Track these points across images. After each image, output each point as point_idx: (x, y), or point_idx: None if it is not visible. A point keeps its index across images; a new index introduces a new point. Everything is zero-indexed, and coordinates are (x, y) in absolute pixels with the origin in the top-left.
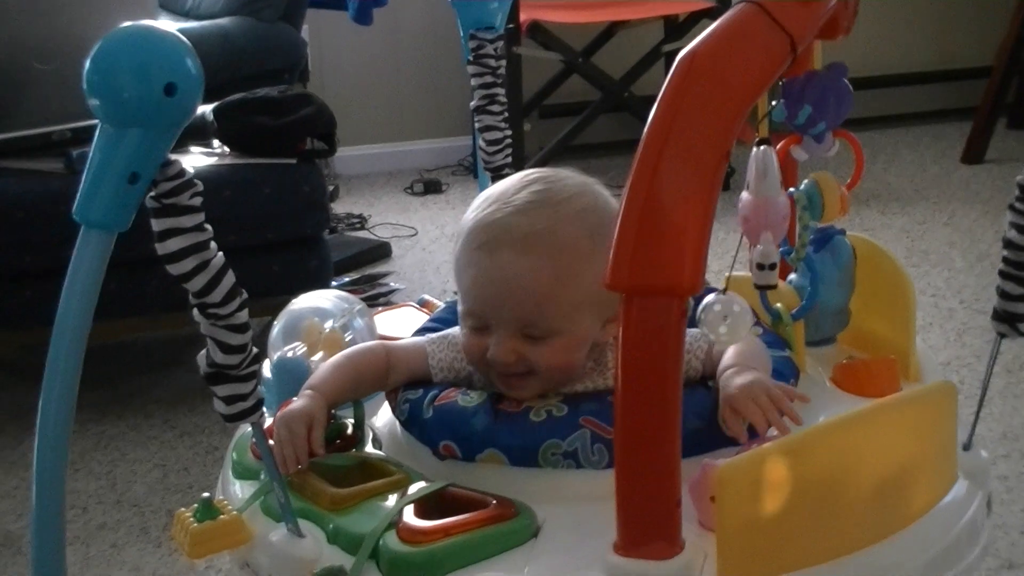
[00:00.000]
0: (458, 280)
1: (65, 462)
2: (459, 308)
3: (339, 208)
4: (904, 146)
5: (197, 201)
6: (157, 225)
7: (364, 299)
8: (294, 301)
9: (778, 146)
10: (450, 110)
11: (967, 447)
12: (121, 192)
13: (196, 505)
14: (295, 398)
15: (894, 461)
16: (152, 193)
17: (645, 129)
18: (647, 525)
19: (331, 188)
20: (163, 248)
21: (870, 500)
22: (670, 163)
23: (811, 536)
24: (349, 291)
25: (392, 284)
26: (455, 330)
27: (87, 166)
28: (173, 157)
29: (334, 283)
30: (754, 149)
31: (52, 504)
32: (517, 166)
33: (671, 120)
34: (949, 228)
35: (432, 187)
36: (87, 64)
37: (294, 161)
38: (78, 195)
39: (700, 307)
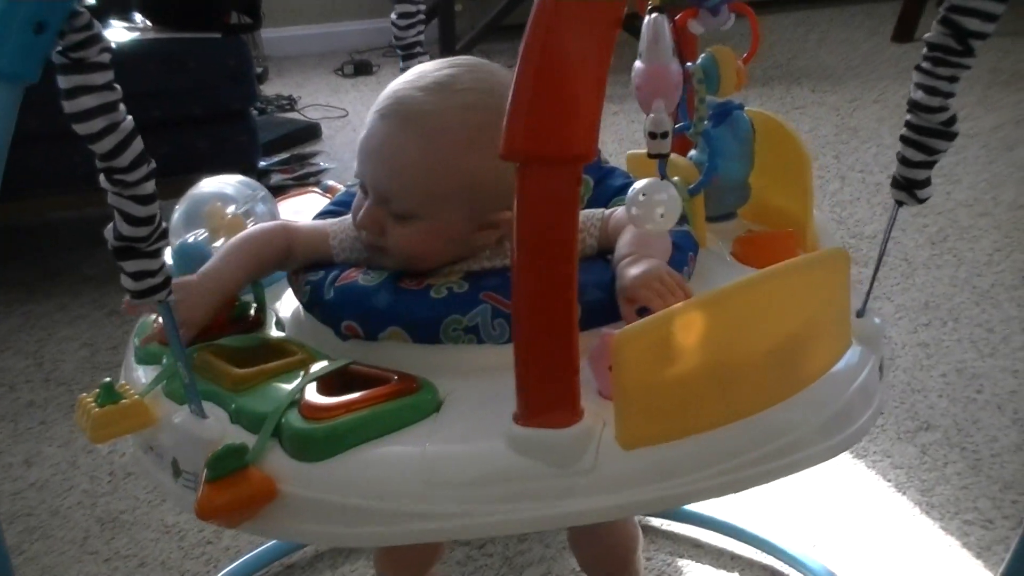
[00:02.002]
0: None
1: None
2: None
3: (268, 90)
4: (836, 24)
5: (106, 58)
6: (65, 82)
7: (294, 178)
8: (196, 186)
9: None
10: None
11: (861, 313)
12: (27, 42)
13: (98, 390)
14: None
15: (789, 325)
16: (60, 47)
17: None
18: (547, 395)
19: (260, 70)
20: (72, 106)
21: (766, 364)
22: (562, 30)
23: (708, 400)
24: (279, 170)
25: (322, 164)
26: None
27: None
28: (82, 9)
29: (263, 163)
30: (646, 17)
31: None
32: (448, 46)
33: None
34: (879, 105)
35: (363, 69)
36: None
37: (219, 35)
38: None
39: (630, 191)
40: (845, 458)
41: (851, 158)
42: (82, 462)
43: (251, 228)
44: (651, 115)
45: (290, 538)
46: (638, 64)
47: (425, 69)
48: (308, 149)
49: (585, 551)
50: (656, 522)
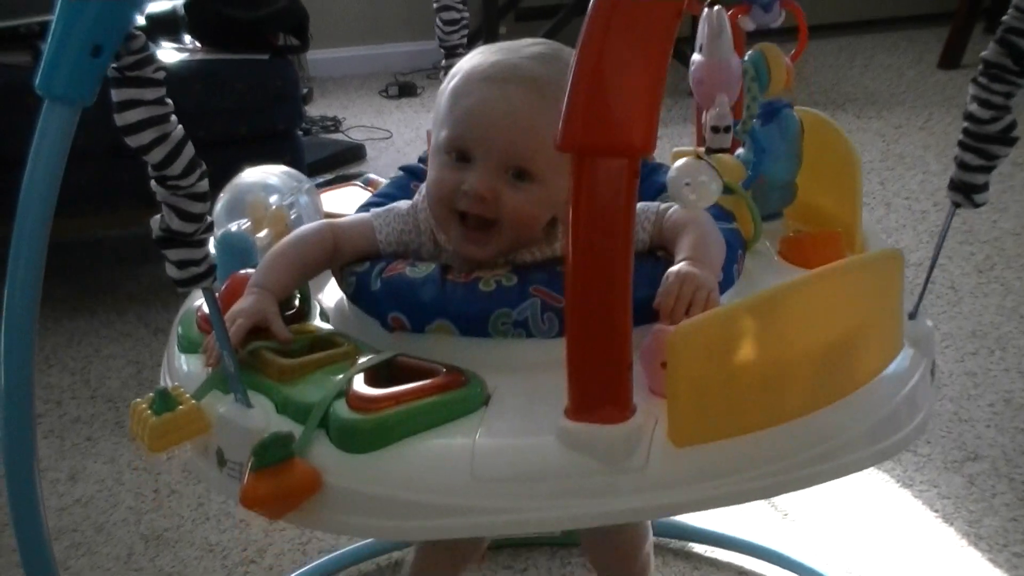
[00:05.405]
0: (447, 110)
1: (32, 343)
2: (436, 140)
3: (313, 111)
4: (881, 51)
5: (160, 75)
6: (117, 95)
7: None
8: (239, 175)
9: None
10: (426, 12)
11: (913, 316)
12: (84, 65)
13: (152, 395)
14: (242, 299)
15: (841, 327)
16: (115, 66)
17: None
18: (598, 390)
19: (305, 90)
20: (122, 119)
21: (817, 365)
22: (621, 23)
23: (759, 401)
24: (323, 190)
25: None
26: (402, 203)
27: (49, 38)
28: (137, 32)
29: None
30: (706, 11)
31: (21, 387)
32: None
33: None
34: (924, 132)
35: (407, 90)
36: None
37: (266, 56)
38: (40, 67)
39: (668, 174)
40: (892, 486)
41: (896, 184)
42: (127, 478)
43: (297, 231)
44: (715, 109)
45: (333, 530)
46: (697, 57)
47: (507, 45)
48: (353, 170)
49: (596, 551)
50: (699, 548)
